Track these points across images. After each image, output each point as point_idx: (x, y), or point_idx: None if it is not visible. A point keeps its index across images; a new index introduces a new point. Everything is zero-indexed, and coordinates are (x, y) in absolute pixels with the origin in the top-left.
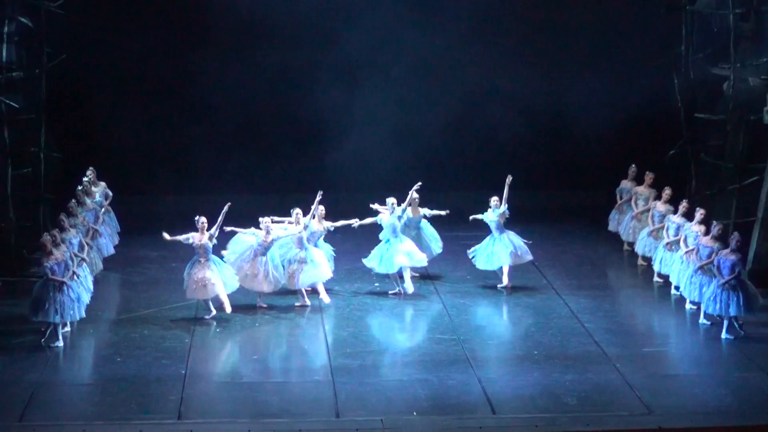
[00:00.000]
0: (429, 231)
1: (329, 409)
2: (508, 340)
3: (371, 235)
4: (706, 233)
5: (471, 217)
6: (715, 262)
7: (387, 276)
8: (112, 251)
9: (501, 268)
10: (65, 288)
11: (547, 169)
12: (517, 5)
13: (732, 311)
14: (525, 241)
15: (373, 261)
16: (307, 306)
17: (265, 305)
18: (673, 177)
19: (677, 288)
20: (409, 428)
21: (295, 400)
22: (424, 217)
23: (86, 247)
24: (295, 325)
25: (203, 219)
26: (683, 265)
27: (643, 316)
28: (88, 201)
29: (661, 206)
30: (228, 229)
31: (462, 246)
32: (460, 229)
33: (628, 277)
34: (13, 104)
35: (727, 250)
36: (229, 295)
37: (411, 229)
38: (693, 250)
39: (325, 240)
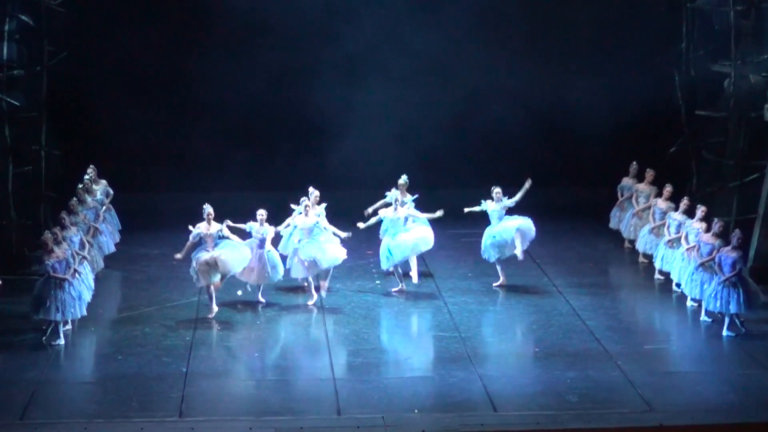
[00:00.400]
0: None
1: (331, 407)
2: (509, 338)
3: (373, 233)
4: (707, 230)
5: (466, 210)
6: (716, 259)
7: (388, 273)
8: (113, 249)
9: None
10: (66, 286)
11: (548, 166)
12: (518, 3)
13: (732, 308)
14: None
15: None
16: (310, 304)
17: (263, 300)
18: (674, 174)
19: (678, 285)
20: (410, 426)
21: (297, 398)
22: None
23: (87, 245)
24: (296, 323)
25: (210, 209)
26: (684, 263)
27: (645, 314)
28: (89, 199)
29: (662, 203)
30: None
31: (463, 244)
32: (461, 226)
33: (629, 275)
34: (14, 102)
35: (729, 248)
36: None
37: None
38: (694, 247)
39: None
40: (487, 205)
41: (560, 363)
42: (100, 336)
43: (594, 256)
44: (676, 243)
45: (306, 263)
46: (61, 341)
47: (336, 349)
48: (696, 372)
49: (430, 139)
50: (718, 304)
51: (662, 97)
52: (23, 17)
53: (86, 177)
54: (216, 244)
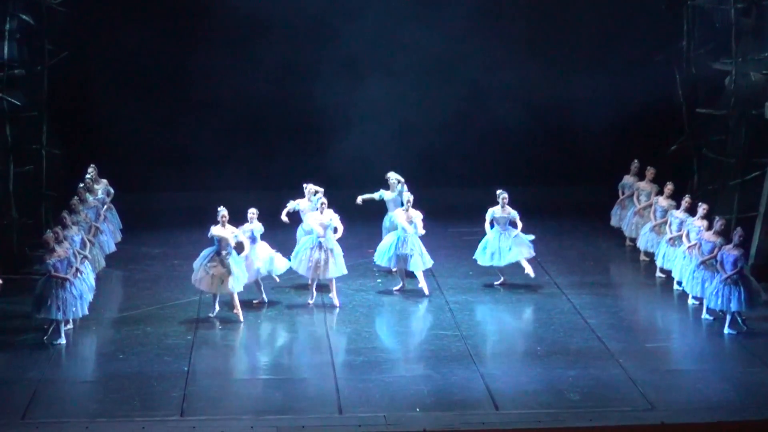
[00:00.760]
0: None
1: (332, 406)
2: (510, 336)
3: (374, 232)
4: (709, 228)
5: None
6: (718, 257)
7: (389, 271)
8: (114, 248)
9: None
10: (68, 285)
11: (549, 164)
12: (519, 1)
13: (734, 306)
14: (529, 239)
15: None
16: (311, 302)
17: (257, 301)
18: (675, 172)
19: (680, 283)
20: (412, 424)
21: (298, 397)
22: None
23: (88, 245)
24: (297, 322)
25: (224, 212)
26: (686, 261)
27: (646, 312)
28: (90, 198)
29: (663, 201)
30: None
31: (464, 242)
32: (462, 225)
33: (631, 273)
34: (15, 102)
35: (730, 245)
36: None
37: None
38: (695, 245)
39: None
40: (494, 212)
41: (562, 361)
42: (102, 335)
43: (595, 255)
44: (677, 241)
45: (313, 265)
46: (63, 340)
47: (337, 348)
48: (697, 370)
49: (431, 137)
50: (719, 302)
51: (663, 95)
52: (24, 16)
53: (87, 176)
54: (229, 252)
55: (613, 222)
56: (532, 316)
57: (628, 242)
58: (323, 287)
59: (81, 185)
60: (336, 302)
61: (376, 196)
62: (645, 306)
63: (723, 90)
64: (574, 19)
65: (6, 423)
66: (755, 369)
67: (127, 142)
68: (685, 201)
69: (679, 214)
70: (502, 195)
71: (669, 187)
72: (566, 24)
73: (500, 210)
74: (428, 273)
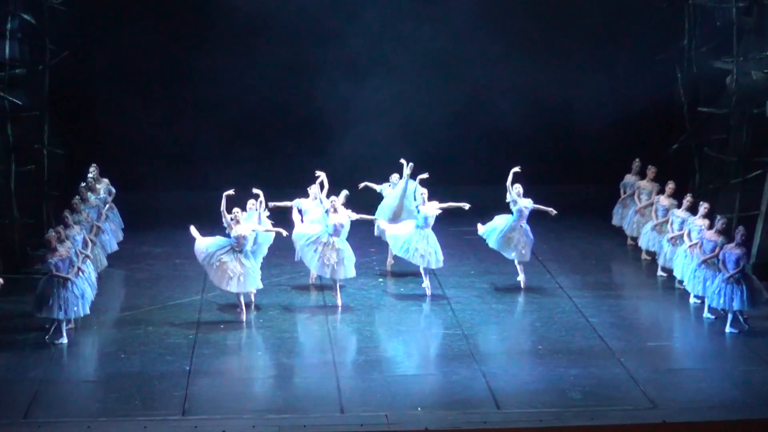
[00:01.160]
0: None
1: (333, 405)
2: (512, 335)
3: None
4: (710, 227)
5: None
6: (720, 256)
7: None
8: (115, 248)
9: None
10: (69, 285)
11: (550, 163)
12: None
13: (736, 305)
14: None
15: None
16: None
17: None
18: (676, 171)
19: (681, 282)
20: (413, 423)
21: (300, 396)
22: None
23: (90, 244)
24: (298, 321)
25: (237, 211)
26: (687, 259)
27: (648, 311)
28: (91, 198)
29: (664, 200)
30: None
31: (465, 241)
32: (464, 224)
33: (632, 272)
34: (17, 101)
35: (732, 244)
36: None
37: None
38: (697, 244)
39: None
40: (522, 203)
41: (563, 360)
42: (103, 335)
43: (596, 254)
44: (678, 240)
45: (327, 264)
46: (64, 340)
47: (339, 347)
48: (699, 369)
49: (432, 136)
50: (721, 301)
51: (664, 94)
52: (25, 16)
53: (89, 175)
54: (245, 254)
55: (615, 221)
56: (533, 315)
57: (629, 241)
58: (327, 287)
59: (83, 184)
60: (339, 302)
61: (377, 188)
62: (646, 305)
63: (724, 89)
64: (575, 18)
65: (8, 422)
66: (757, 368)
67: (128, 141)
68: (687, 200)
69: (680, 213)
70: (517, 189)
71: (670, 186)
72: (568, 23)
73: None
74: (430, 271)
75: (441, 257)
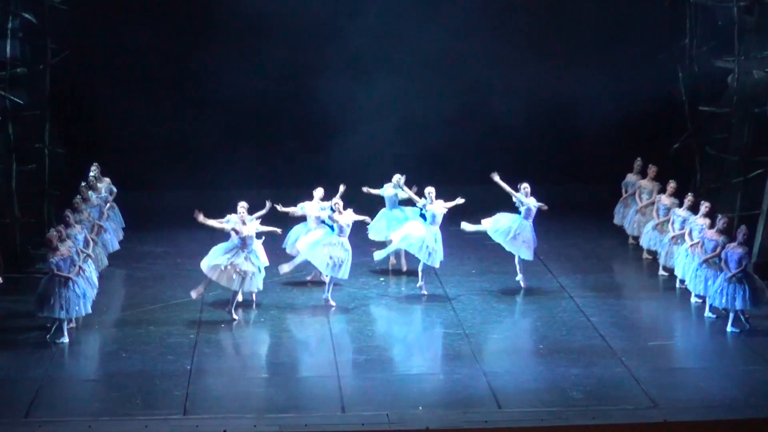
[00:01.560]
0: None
1: (335, 404)
2: (513, 334)
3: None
4: (711, 226)
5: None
6: (722, 256)
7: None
8: (117, 247)
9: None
10: (71, 284)
11: (551, 162)
12: None
13: (738, 305)
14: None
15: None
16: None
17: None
18: (677, 170)
19: (682, 281)
20: (414, 423)
21: (301, 395)
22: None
23: (91, 243)
24: (300, 321)
25: (243, 206)
26: (688, 259)
27: (649, 310)
28: (92, 197)
29: (666, 199)
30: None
31: (466, 240)
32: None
33: (633, 271)
34: (18, 100)
35: (734, 244)
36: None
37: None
38: (698, 243)
39: None
40: (528, 201)
41: (564, 360)
42: (105, 334)
43: (598, 253)
44: (680, 239)
45: (337, 264)
46: (66, 339)
47: (340, 347)
48: (700, 368)
49: (434, 135)
50: (723, 301)
51: (666, 93)
52: (26, 15)
53: (90, 175)
54: (251, 251)
55: (616, 220)
56: (534, 314)
57: (630, 240)
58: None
59: (84, 184)
60: (332, 302)
61: (378, 192)
62: (648, 304)
63: (726, 88)
64: (577, 17)
65: (9, 421)
66: (758, 367)
67: (129, 140)
68: (688, 199)
69: (681, 212)
70: (524, 186)
71: (671, 185)
72: (569, 22)
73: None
74: (431, 270)
75: (442, 257)
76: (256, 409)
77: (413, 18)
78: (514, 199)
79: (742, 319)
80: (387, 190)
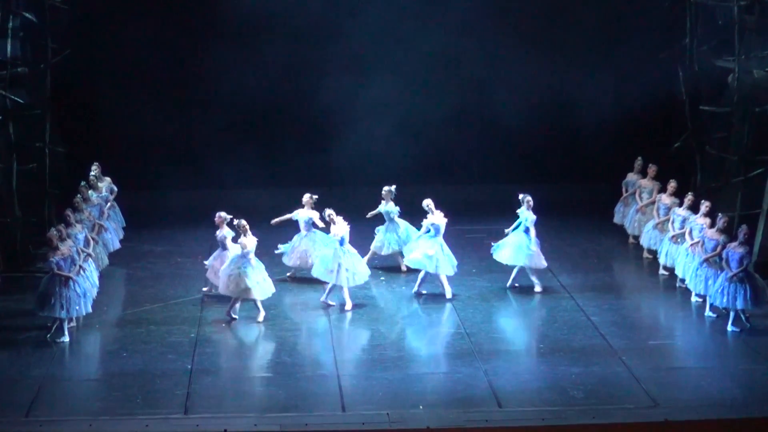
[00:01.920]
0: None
1: (335, 403)
2: (513, 334)
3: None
4: (712, 226)
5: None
6: (724, 255)
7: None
8: (117, 246)
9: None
10: (71, 283)
11: (552, 161)
12: None
13: (739, 304)
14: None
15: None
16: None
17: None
18: (678, 169)
19: (683, 281)
20: (415, 422)
21: (302, 395)
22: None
23: (92, 243)
24: (300, 320)
25: (244, 221)
26: (689, 258)
27: (649, 309)
28: (93, 196)
29: (666, 199)
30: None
31: (467, 240)
32: (465, 222)
33: (634, 270)
34: (18, 100)
35: (736, 243)
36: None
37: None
38: (698, 242)
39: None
40: (523, 213)
41: (565, 359)
42: (105, 333)
43: (598, 252)
44: (680, 238)
45: (352, 272)
46: (66, 338)
47: (340, 346)
48: (700, 367)
49: (434, 134)
50: (724, 300)
51: (666, 93)
52: (27, 14)
53: (91, 174)
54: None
55: (617, 219)
56: (534, 313)
57: (631, 240)
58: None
59: (84, 183)
60: (331, 302)
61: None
62: (648, 303)
63: (726, 87)
64: (577, 17)
65: (10, 420)
66: (758, 366)
67: (130, 139)
68: (688, 198)
69: (681, 211)
70: (527, 198)
71: (672, 185)
72: (570, 21)
73: (527, 212)
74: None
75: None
76: (256, 409)
77: (414, 17)
78: (521, 220)
79: (743, 318)
80: (389, 205)
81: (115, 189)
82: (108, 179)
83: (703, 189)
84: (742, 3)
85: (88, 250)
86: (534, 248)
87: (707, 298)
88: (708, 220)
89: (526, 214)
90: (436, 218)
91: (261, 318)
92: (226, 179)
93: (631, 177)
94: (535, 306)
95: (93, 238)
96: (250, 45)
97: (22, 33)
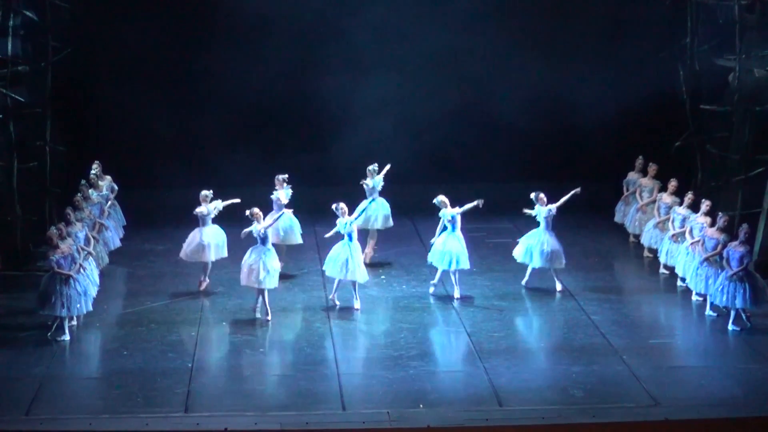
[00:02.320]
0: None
1: (335, 402)
2: (514, 332)
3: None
4: (712, 225)
5: (524, 211)
6: (724, 254)
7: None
8: (118, 244)
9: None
10: (72, 281)
11: (553, 160)
12: None
13: (739, 303)
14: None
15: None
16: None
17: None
18: (678, 168)
19: (683, 280)
20: (415, 420)
21: (302, 393)
22: None
23: (92, 241)
24: (301, 319)
25: (255, 210)
26: (689, 257)
27: (650, 308)
28: (93, 194)
29: (667, 198)
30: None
31: (467, 240)
32: (465, 221)
33: (634, 269)
34: (19, 98)
35: (736, 242)
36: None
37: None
38: (699, 241)
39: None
40: (536, 209)
41: (565, 358)
42: (106, 332)
43: (599, 251)
44: (680, 237)
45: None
46: (67, 337)
47: (340, 345)
48: (701, 366)
49: (434, 133)
50: (724, 299)
51: (667, 92)
52: (28, 13)
53: (91, 173)
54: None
55: (617, 218)
56: (535, 312)
57: (631, 239)
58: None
59: (84, 182)
60: (337, 301)
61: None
62: (648, 302)
63: (727, 86)
64: (578, 15)
65: (10, 419)
66: (759, 365)
67: (131, 138)
68: (688, 197)
69: (681, 210)
70: (540, 195)
71: (673, 184)
72: (571, 20)
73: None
74: (432, 269)
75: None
76: (257, 407)
77: (414, 16)
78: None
79: (743, 317)
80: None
81: (116, 187)
82: (108, 178)
83: (704, 188)
84: (743, 2)
85: (88, 249)
86: (547, 248)
87: (707, 297)
88: (708, 219)
89: (540, 210)
90: (452, 211)
91: (269, 317)
92: (227, 178)
93: (632, 176)
94: (536, 305)
95: (93, 237)
96: (251, 44)
97: (23, 31)
